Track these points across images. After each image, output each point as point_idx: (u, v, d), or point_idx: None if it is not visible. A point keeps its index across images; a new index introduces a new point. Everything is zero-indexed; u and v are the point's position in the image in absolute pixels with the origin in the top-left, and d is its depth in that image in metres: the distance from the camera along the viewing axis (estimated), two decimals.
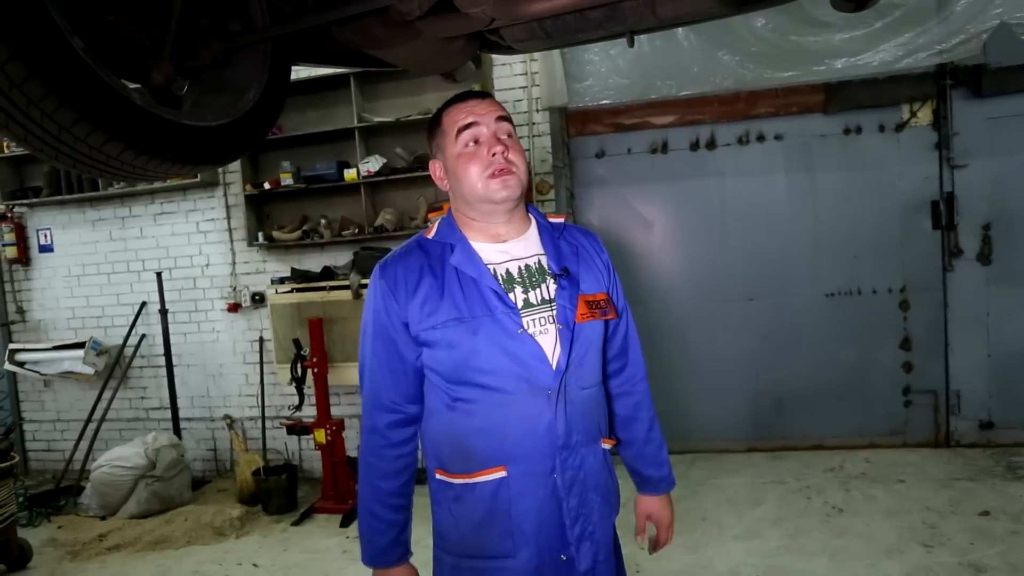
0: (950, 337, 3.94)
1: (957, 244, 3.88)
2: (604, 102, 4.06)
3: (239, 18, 1.32)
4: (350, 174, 4.00)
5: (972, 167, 3.82)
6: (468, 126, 1.26)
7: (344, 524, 3.63)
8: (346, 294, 3.83)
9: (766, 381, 4.15)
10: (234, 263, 4.47)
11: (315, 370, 3.77)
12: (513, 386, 1.24)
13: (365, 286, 3.77)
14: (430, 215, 4.02)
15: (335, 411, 3.99)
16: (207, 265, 4.54)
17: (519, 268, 1.30)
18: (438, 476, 1.32)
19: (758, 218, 4.09)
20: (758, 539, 3.09)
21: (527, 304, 1.27)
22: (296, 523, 3.73)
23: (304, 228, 4.14)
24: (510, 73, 4.05)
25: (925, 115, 3.88)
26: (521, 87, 4.04)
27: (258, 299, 4.40)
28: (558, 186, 4.10)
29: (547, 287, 1.30)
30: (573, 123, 4.22)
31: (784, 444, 4.14)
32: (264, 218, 4.35)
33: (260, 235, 4.21)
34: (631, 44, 1.80)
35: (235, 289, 4.45)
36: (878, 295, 3.99)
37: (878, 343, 4.04)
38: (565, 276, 1.30)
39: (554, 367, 1.25)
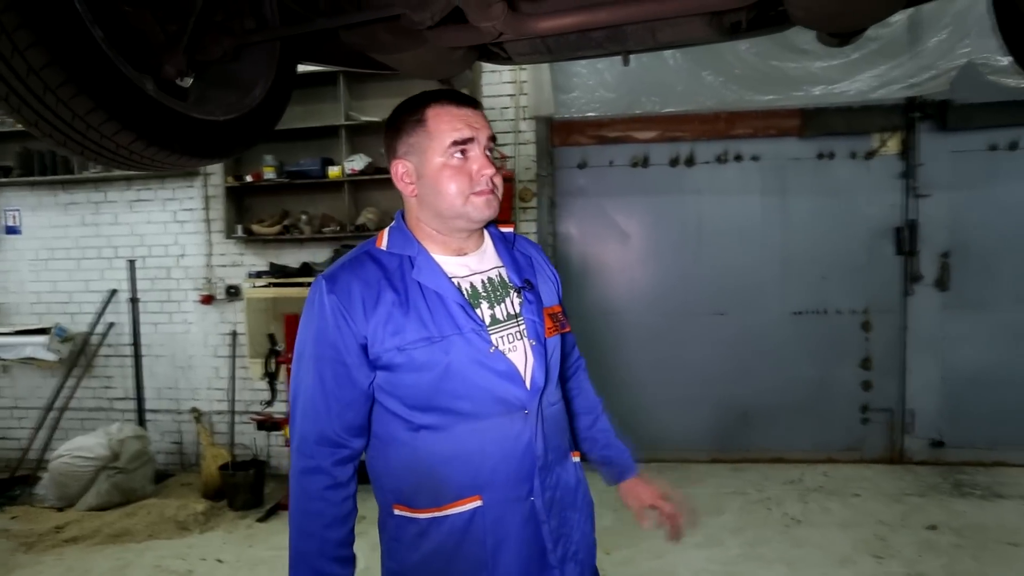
0: (908, 358, 4.11)
1: (918, 270, 4.05)
2: (589, 114, 4.14)
3: (253, 16, 1.35)
4: (334, 171, 4.00)
5: (934, 197, 4.00)
6: (466, 140, 1.14)
7: None
8: None
9: (732, 394, 4.26)
10: (210, 255, 4.42)
11: (289, 366, 3.75)
12: (489, 409, 1.14)
13: None
14: None
15: None
16: (182, 255, 4.48)
17: (482, 282, 1.21)
18: (397, 512, 1.17)
19: (732, 236, 4.21)
20: (719, 547, 3.18)
21: (494, 320, 1.18)
22: (262, 519, 3.70)
23: (284, 223, 4.13)
24: (499, 80, 4.10)
25: (894, 145, 4.05)
26: (509, 95, 4.10)
27: (233, 292, 4.36)
28: (540, 194, 4.16)
29: (511, 301, 1.22)
30: (558, 133, 4.29)
31: (747, 456, 4.26)
32: (244, 211, 4.31)
33: (239, 228, 4.18)
34: (626, 63, 1.87)
35: (210, 281, 4.40)
36: (842, 315, 4.14)
37: (840, 362, 4.19)
38: (529, 289, 1.23)
39: (528, 385, 1.17)
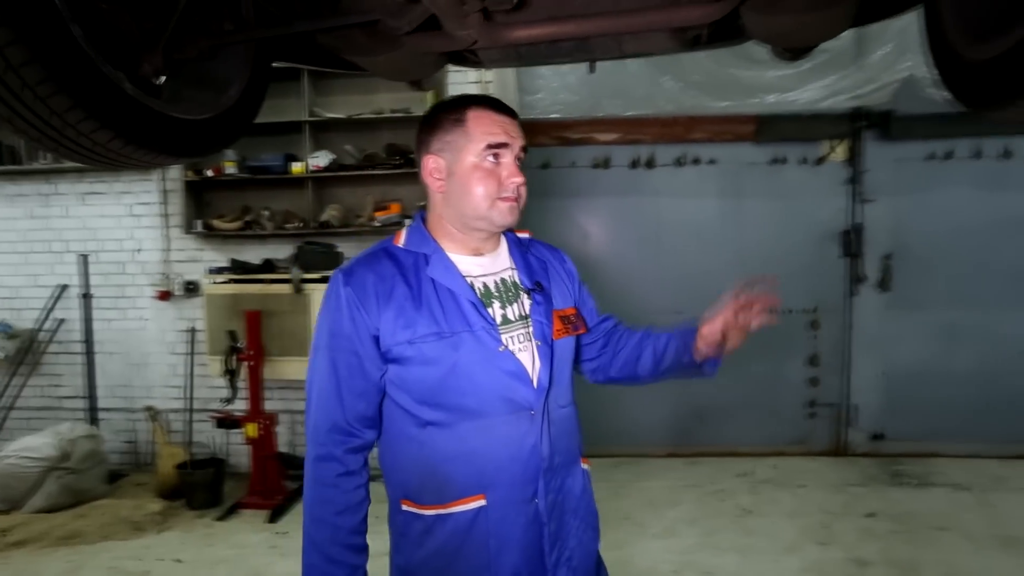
0: (852, 356, 4.32)
1: (862, 271, 4.27)
2: (553, 115, 4.22)
3: (231, 18, 1.36)
4: (297, 167, 3.97)
5: (878, 202, 4.21)
6: (501, 145, 1.17)
7: (272, 519, 3.59)
8: (286, 287, 3.79)
9: (688, 391, 4.38)
10: (168, 250, 4.33)
11: (250, 363, 3.71)
12: (496, 408, 1.16)
13: (307, 281, 3.78)
14: (376, 214, 4.04)
15: (268, 405, 3.94)
16: (138, 250, 4.38)
17: (495, 282, 1.24)
18: (404, 507, 1.20)
19: (689, 236, 4.34)
20: (675, 537, 3.30)
21: (505, 320, 1.20)
22: (221, 518, 3.66)
23: (246, 219, 4.08)
24: (464, 80, 4.13)
25: (842, 152, 4.25)
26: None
27: (192, 288, 4.28)
28: None
29: (522, 303, 1.24)
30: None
31: (701, 450, 4.40)
32: (203, 206, 4.24)
33: (198, 223, 4.10)
34: (592, 70, 1.95)
35: (167, 277, 4.31)
36: (793, 314, 4.32)
37: (790, 359, 4.37)
38: (539, 291, 1.25)
39: (535, 386, 1.18)
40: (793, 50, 1.76)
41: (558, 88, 4.14)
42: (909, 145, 4.13)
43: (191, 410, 4.28)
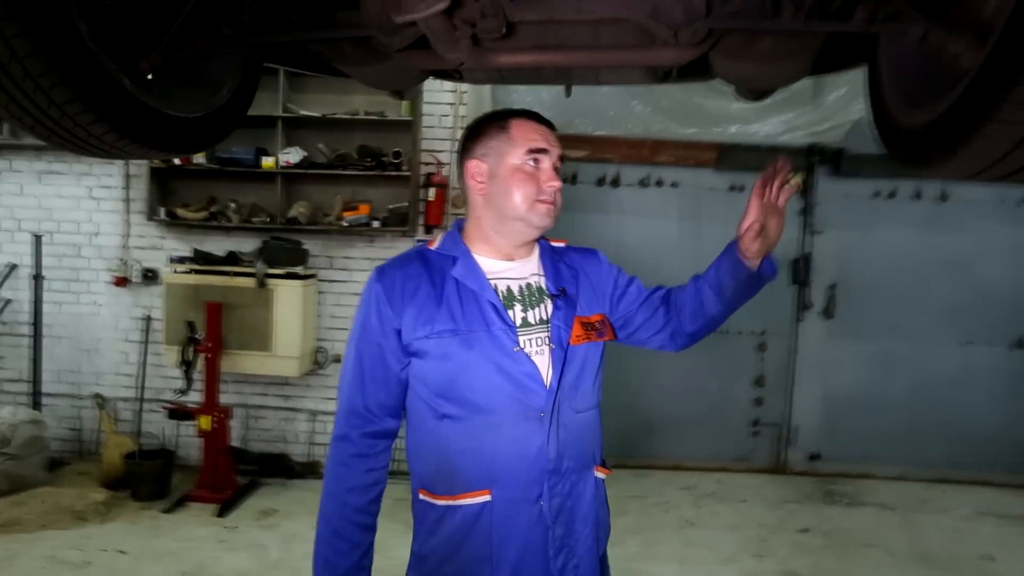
0: (795, 379, 4.54)
1: (809, 299, 4.49)
2: None
3: (230, 23, 1.40)
4: (268, 162, 3.96)
5: (827, 234, 4.45)
6: (541, 150, 1.25)
7: (221, 514, 3.57)
8: (250, 281, 3.78)
9: (639, 405, 4.55)
10: (127, 235, 4.25)
11: (208, 355, 3.69)
12: (505, 406, 1.20)
13: (271, 275, 3.78)
14: (345, 213, 4.07)
15: (223, 399, 3.91)
16: (96, 234, 4.29)
17: (520, 287, 1.29)
18: (421, 496, 1.26)
19: (649, 256, 4.49)
20: (619, 546, 3.41)
21: (525, 323, 1.25)
22: (168, 510, 3.61)
23: (212, 210, 4.04)
24: (440, 88, 4.20)
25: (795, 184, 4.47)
26: (449, 103, 4.21)
27: (150, 276, 4.22)
28: None
29: (545, 307, 1.28)
30: None
31: (649, 463, 4.54)
32: (168, 193, 4.19)
33: (162, 210, 4.05)
34: (568, 94, 2.05)
35: (125, 263, 4.23)
36: (742, 336, 4.52)
37: (737, 379, 4.56)
38: (562, 296, 1.29)
39: (547, 388, 1.22)
40: (755, 92, 1.90)
41: (532, 103, 4.24)
42: (857, 182, 4.38)
43: (142, 399, 4.20)
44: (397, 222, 4.04)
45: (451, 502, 1.22)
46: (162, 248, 4.24)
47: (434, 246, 1.31)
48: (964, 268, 4.40)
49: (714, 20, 1.26)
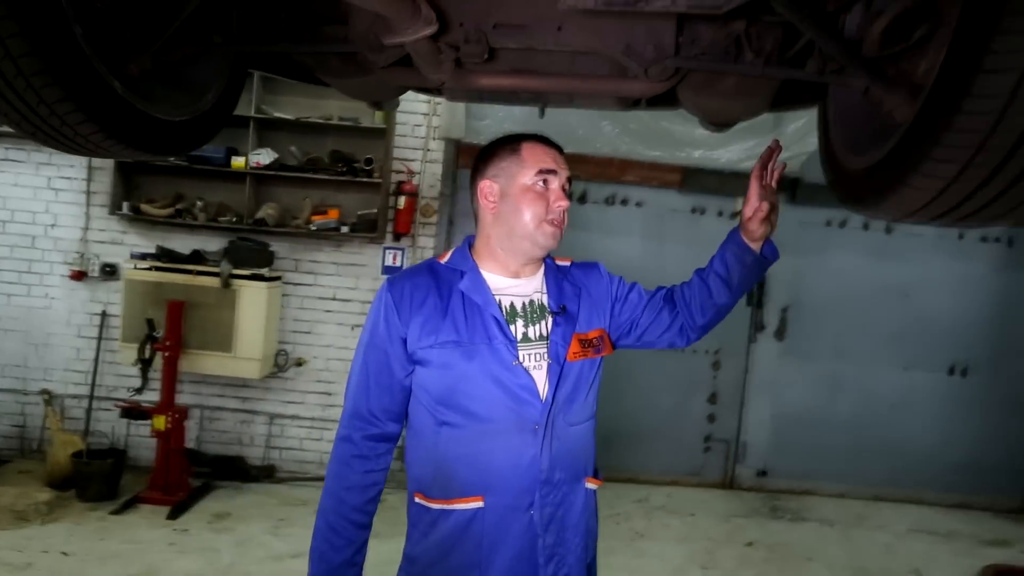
0: (747, 397, 4.70)
1: (762, 321, 4.67)
2: None
3: (220, 31, 1.44)
4: (238, 162, 3.95)
5: (781, 258, 4.57)
6: (550, 171, 1.31)
7: (172, 516, 3.51)
8: (214, 281, 3.75)
9: (598, 418, 4.63)
10: (87, 228, 4.17)
11: (166, 353, 3.63)
12: (501, 416, 1.25)
13: (236, 276, 3.76)
14: (314, 217, 4.08)
15: (179, 399, 3.85)
16: (52, 225, 4.19)
17: (523, 303, 1.34)
18: (416, 499, 1.31)
19: (612, 273, 4.61)
20: None
21: (525, 338, 1.30)
22: (117, 512, 3.54)
23: (178, 207, 4.00)
24: (415, 98, 4.24)
25: None
26: (423, 113, 4.26)
27: (109, 271, 4.14)
28: (441, 212, 4.35)
29: (546, 324, 1.33)
30: (464, 156, 4.50)
31: (604, 475, 4.63)
32: (133, 188, 4.12)
33: (126, 205, 3.99)
34: (542, 115, 2.14)
35: (83, 256, 4.15)
36: (698, 354, 4.66)
37: (692, 395, 4.70)
38: (562, 314, 1.33)
39: (542, 402, 1.27)
40: (717, 123, 2.02)
41: (504, 117, 4.33)
42: (812, 210, 4.59)
43: (93, 397, 4.11)
44: (366, 228, 4.06)
45: (445, 506, 1.27)
46: (123, 243, 4.17)
47: (444, 260, 1.37)
48: (906, 296, 4.65)
49: (682, 59, 1.36)
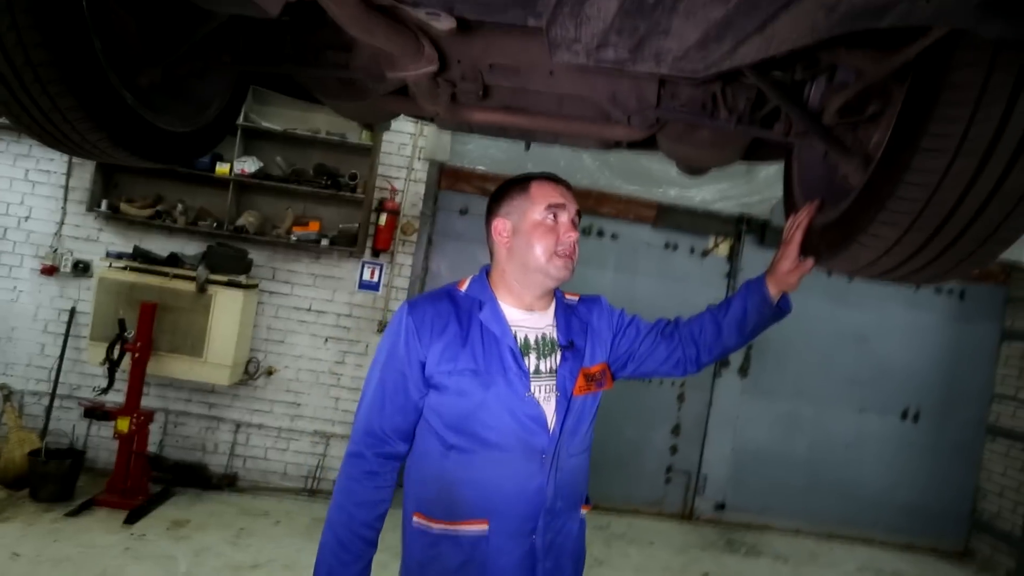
0: (709, 431, 4.82)
1: (726, 358, 4.80)
2: (479, 167, 4.50)
3: (229, 50, 1.51)
4: (222, 168, 3.97)
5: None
6: (559, 205, 1.37)
7: (130, 520, 3.45)
8: (189, 285, 3.75)
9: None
10: (62, 224, 4.13)
11: (136, 355, 3.61)
12: (512, 445, 1.29)
13: (213, 281, 3.76)
14: (295, 228, 4.11)
15: (145, 402, 3.81)
16: (26, 218, 4.15)
17: (536, 337, 1.38)
18: (415, 520, 1.33)
19: None
20: None
21: (537, 371, 1.35)
22: (72, 514, 3.47)
23: (158, 208, 4.00)
24: (403, 119, 4.33)
25: (724, 249, 4.83)
26: (409, 133, 4.35)
27: (82, 268, 4.10)
28: (421, 231, 4.42)
29: (555, 358, 1.38)
30: (447, 178, 4.60)
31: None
32: (112, 186, 4.11)
33: (104, 203, 3.97)
34: (527, 148, 2.24)
35: (56, 251, 4.11)
36: (663, 387, 4.77)
37: (656, 426, 4.80)
38: (570, 349, 1.39)
39: (550, 433, 1.32)
40: (692, 169, 2.14)
41: (488, 144, 4.44)
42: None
43: (54, 395, 4.04)
44: (346, 242, 4.11)
45: (448, 528, 1.30)
46: (99, 241, 4.14)
47: (463, 288, 1.42)
48: (864, 342, 4.84)
49: (662, 110, 1.47)
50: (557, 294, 1.47)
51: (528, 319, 1.40)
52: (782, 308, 1.50)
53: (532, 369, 1.35)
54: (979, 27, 0.63)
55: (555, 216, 1.38)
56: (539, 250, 1.35)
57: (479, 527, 1.29)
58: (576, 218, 1.41)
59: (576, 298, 1.52)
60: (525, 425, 1.30)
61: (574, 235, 1.38)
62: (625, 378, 1.56)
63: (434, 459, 1.32)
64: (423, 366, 1.32)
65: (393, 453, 1.35)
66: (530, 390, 1.32)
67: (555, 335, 1.41)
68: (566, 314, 1.45)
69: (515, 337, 1.35)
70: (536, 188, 1.40)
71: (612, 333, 1.50)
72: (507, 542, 1.29)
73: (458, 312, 1.36)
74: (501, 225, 1.40)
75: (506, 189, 1.44)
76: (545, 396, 1.34)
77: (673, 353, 1.52)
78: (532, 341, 1.38)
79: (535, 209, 1.37)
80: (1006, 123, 0.84)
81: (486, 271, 1.46)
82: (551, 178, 1.44)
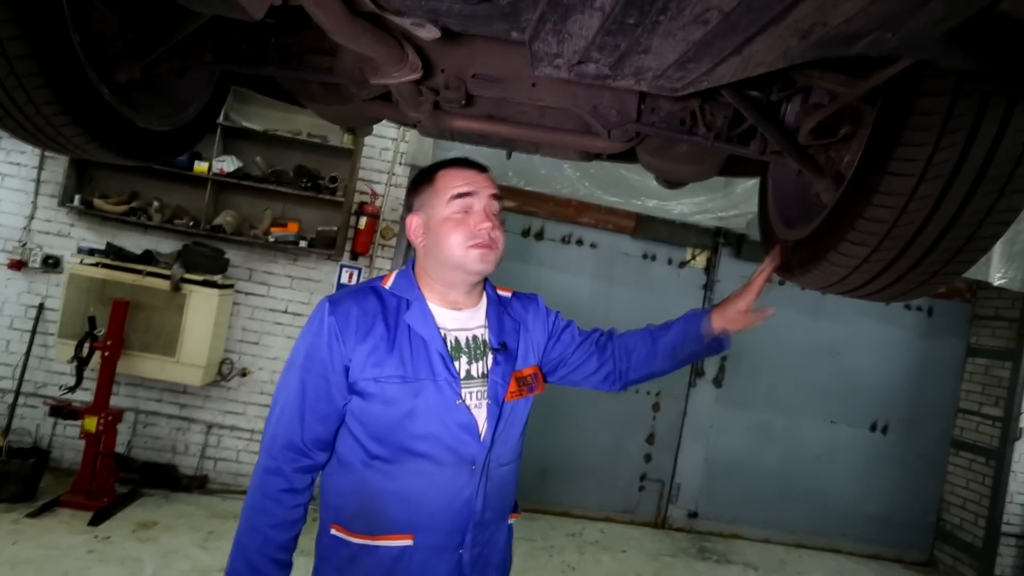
0: (683, 439, 4.86)
1: (702, 367, 4.86)
2: None
3: (211, 51, 1.50)
4: (200, 167, 3.92)
5: None
6: (463, 195, 1.26)
7: (95, 522, 3.38)
8: (163, 283, 3.69)
9: (536, 451, 4.71)
10: (32, 218, 4.05)
11: (106, 353, 3.54)
12: (441, 456, 1.21)
13: (187, 280, 3.71)
14: (273, 229, 4.07)
15: (114, 401, 3.74)
16: None
17: (467, 338, 1.30)
18: (333, 531, 1.24)
19: (561, 309, 4.72)
20: None
21: (468, 376, 1.26)
22: (33, 515, 3.38)
23: (132, 205, 3.94)
24: (385, 123, 4.32)
25: (701, 260, 4.89)
26: (391, 138, 4.34)
27: (51, 263, 4.02)
28: (400, 235, 4.40)
29: (487, 361, 1.29)
30: None
31: (539, 507, 4.69)
32: (86, 181, 4.04)
33: (77, 198, 3.90)
34: (509, 157, 2.25)
35: (24, 246, 4.02)
36: (639, 395, 4.81)
37: (630, 434, 4.84)
38: (502, 351, 1.30)
39: (481, 441, 1.24)
40: (670, 182, 2.17)
41: (471, 151, 4.42)
42: (754, 266, 4.72)
43: (18, 392, 3.94)
44: (324, 245, 4.08)
45: (369, 542, 1.21)
46: (70, 236, 4.07)
47: (388, 284, 1.31)
48: (836, 354, 4.93)
49: (641, 125, 1.49)
50: (488, 289, 1.39)
51: (457, 319, 1.30)
52: (720, 344, 1.45)
53: (463, 374, 1.26)
54: (941, 59, 0.65)
55: (466, 207, 1.27)
56: (450, 245, 1.25)
57: (403, 541, 1.20)
58: (493, 204, 1.30)
59: (509, 294, 1.44)
60: (455, 434, 1.22)
61: (486, 225, 1.25)
62: (553, 383, 1.49)
63: (354, 469, 1.23)
64: (347, 370, 1.21)
65: (313, 466, 1.24)
66: (460, 396, 1.23)
67: (487, 336, 1.32)
68: (498, 312, 1.36)
69: (444, 340, 1.26)
70: (441, 179, 1.29)
71: (547, 335, 1.43)
72: (432, 557, 1.21)
73: (384, 312, 1.25)
74: (414, 222, 1.31)
75: (417, 182, 1.34)
76: (476, 403, 1.26)
77: (604, 365, 1.46)
78: (463, 343, 1.29)
79: (441, 202, 1.27)
80: (968, 149, 0.87)
81: (412, 265, 1.35)
82: (462, 163, 1.33)
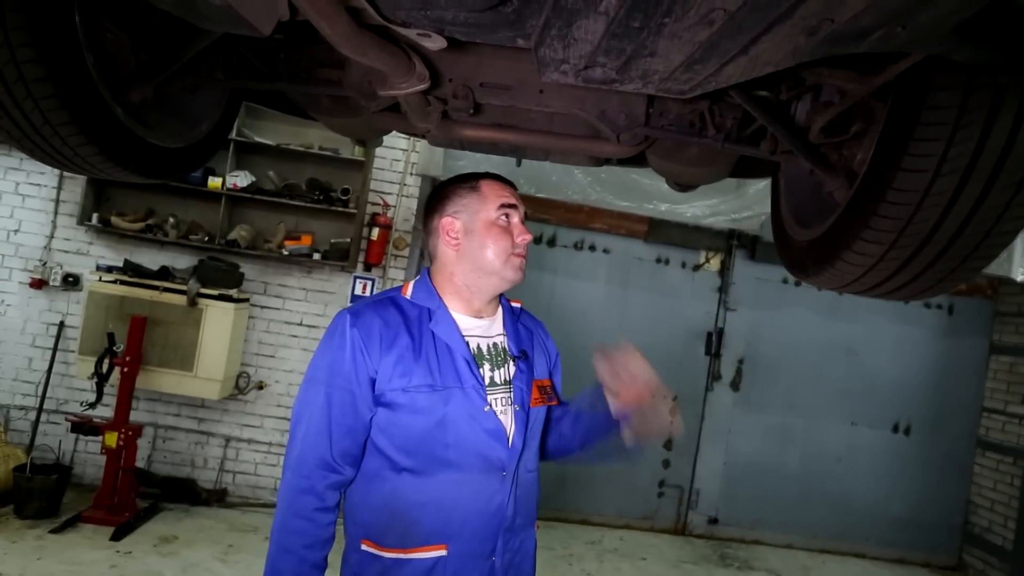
0: (701, 445, 4.82)
1: (719, 370, 4.82)
2: None
3: (222, 68, 1.52)
4: (214, 182, 3.97)
5: (739, 312, 4.82)
6: (511, 206, 1.32)
7: (116, 537, 3.41)
8: (180, 298, 3.73)
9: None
10: (52, 237, 4.12)
11: (125, 369, 3.58)
12: (472, 463, 1.21)
13: (203, 295, 3.75)
14: (287, 242, 4.11)
15: (133, 416, 3.78)
16: (16, 231, 4.12)
17: (488, 346, 1.31)
18: (364, 547, 1.22)
19: (575, 316, 4.73)
20: None
21: (492, 382, 1.27)
22: (57, 530, 3.42)
23: (149, 222, 3.99)
24: (395, 134, 4.35)
25: (715, 263, 4.86)
26: (402, 149, 4.37)
27: (71, 281, 4.08)
28: (413, 246, 4.42)
29: (508, 368, 1.31)
30: None
31: (558, 516, 4.67)
32: (103, 200, 4.10)
33: (95, 216, 3.96)
34: (519, 164, 2.25)
35: (45, 265, 4.08)
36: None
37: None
38: (524, 359, 1.33)
39: (510, 447, 1.25)
40: (681, 185, 2.16)
41: (481, 159, 4.45)
42: (769, 267, 4.81)
43: (41, 409, 4.00)
44: (338, 256, 4.11)
45: (401, 555, 1.20)
46: (88, 254, 4.13)
47: (407, 294, 1.31)
48: (855, 355, 4.87)
49: (650, 128, 1.48)
50: (503, 300, 1.41)
51: (479, 327, 1.32)
52: (632, 450, 1.42)
53: (488, 380, 1.27)
54: (953, 52, 0.65)
55: (507, 216, 1.32)
56: (494, 251, 1.28)
57: (436, 552, 1.20)
58: (523, 219, 1.36)
59: (519, 305, 1.46)
60: (485, 441, 1.22)
61: (528, 236, 1.32)
62: None
63: (383, 483, 1.22)
64: (373, 383, 1.21)
65: (343, 481, 1.23)
66: (488, 403, 1.24)
67: (507, 344, 1.34)
68: (513, 321, 1.40)
69: (468, 347, 1.27)
70: (487, 187, 1.34)
71: (549, 360, 1.45)
72: (466, 565, 1.21)
73: (407, 321, 1.25)
74: (449, 224, 1.31)
75: (452, 186, 1.36)
76: (502, 409, 1.27)
77: (553, 429, 1.44)
78: (485, 351, 1.30)
79: (488, 208, 1.30)
80: (984, 143, 0.86)
81: (427, 274, 1.36)
82: (498, 178, 1.39)
